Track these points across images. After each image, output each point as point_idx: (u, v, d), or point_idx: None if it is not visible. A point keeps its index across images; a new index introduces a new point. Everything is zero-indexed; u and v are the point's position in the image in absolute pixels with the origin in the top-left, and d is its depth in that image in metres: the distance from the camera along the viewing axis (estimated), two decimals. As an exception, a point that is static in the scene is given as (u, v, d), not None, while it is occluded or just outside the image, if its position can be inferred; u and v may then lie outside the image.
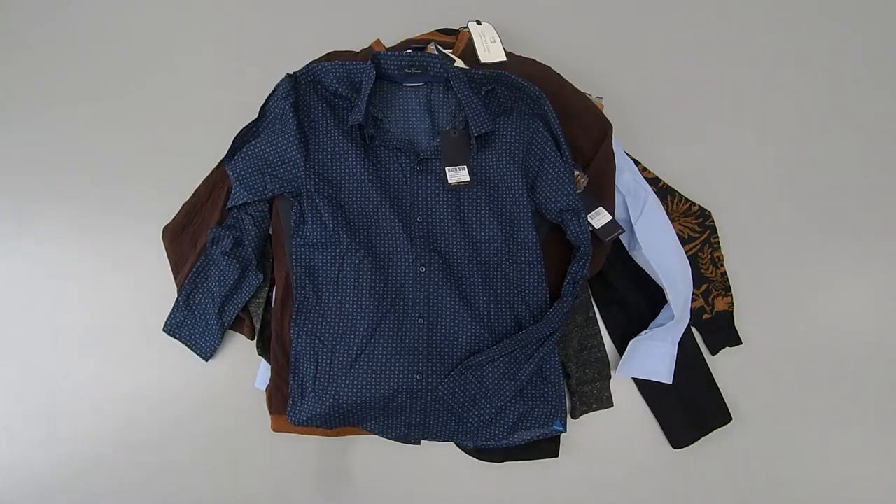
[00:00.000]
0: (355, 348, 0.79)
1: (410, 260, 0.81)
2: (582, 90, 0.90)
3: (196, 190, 0.89)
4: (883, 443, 0.92)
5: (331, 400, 0.79)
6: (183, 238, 0.88)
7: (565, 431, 0.82)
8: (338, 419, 0.81)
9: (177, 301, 0.87)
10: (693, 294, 0.88)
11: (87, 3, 1.03)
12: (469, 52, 0.93)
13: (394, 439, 0.81)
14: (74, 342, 0.90)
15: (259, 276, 0.84)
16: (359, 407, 0.80)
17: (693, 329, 0.91)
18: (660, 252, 0.85)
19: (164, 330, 0.87)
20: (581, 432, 0.88)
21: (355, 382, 0.78)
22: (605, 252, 0.86)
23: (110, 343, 0.89)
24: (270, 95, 0.84)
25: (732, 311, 0.93)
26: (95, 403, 0.88)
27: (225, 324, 0.85)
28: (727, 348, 0.92)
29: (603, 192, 0.86)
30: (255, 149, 0.83)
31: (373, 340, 0.79)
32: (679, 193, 0.95)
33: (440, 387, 0.78)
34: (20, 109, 0.98)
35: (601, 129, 0.88)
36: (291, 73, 0.85)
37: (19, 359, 0.90)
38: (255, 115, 0.85)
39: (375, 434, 0.81)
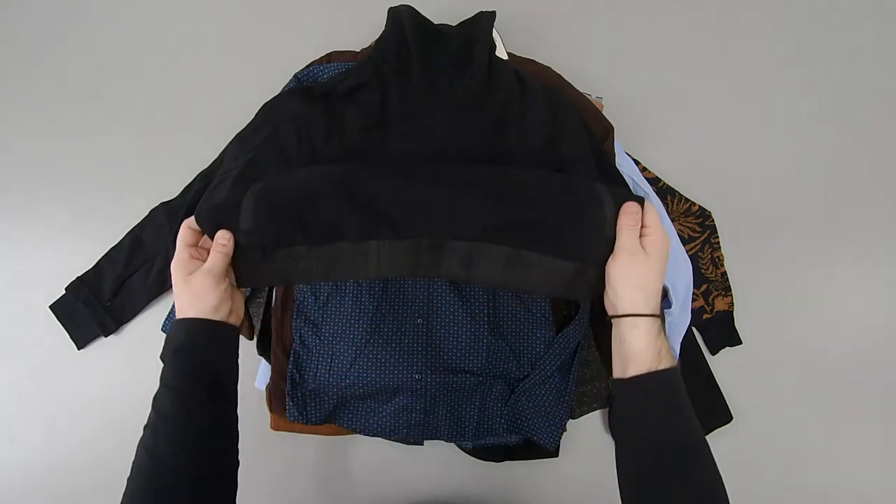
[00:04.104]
0: (355, 348, 0.79)
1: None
2: (582, 90, 0.90)
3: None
4: (884, 443, 0.92)
5: (331, 400, 0.79)
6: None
7: (566, 431, 0.82)
8: (338, 419, 0.81)
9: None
10: (693, 294, 0.88)
11: (88, 3, 1.02)
12: (469, 52, 0.92)
13: (395, 440, 0.81)
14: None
15: None
16: (359, 406, 0.80)
17: (693, 329, 0.91)
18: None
19: (162, 330, 0.87)
20: (581, 432, 0.88)
21: (355, 382, 0.78)
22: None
23: (110, 343, 0.89)
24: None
25: (732, 311, 0.93)
26: (95, 403, 0.88)
27: (224, 324, 0.85)
28: (727, 348, 0.93)
29: (603, 192, 0.86)
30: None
31: (372, 341, 0.79)
32: (679, 193, 0.95)
33: (502, 419, 0.79)
34: (20, 109, 0.98)
35: (602, 131, 0.87)
36: (295, 72, 0.85)
37: (19, 359, 0.89)
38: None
39: (377, 436, 0.81)
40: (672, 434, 0.51)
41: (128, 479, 0.51)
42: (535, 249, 0.59)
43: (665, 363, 0.52)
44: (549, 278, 0.60)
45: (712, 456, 0.51)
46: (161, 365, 0.58)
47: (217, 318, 0.56)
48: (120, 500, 0.51)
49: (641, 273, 0.55)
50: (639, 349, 0.52)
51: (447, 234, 0.60)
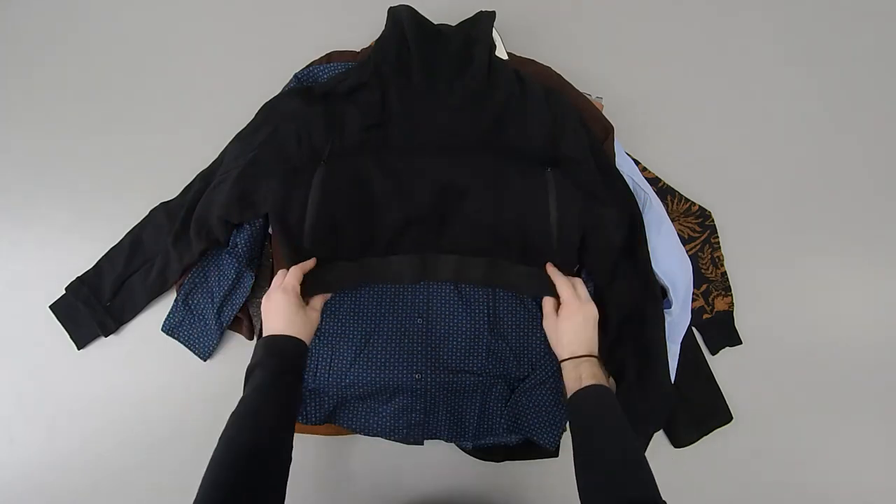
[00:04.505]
0: (355, 348, 0.79)
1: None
2: (582, 90, 0.90)
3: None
4: (883, 442, 0.92)
5: (331, 400, 0.79)
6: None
7: (566, 431, 0.82)
8: (338, 419, 0.81)
9: (175, 300, 0.87)
10: (693, 294, 0.88)
11: (88, 3, 1.02)
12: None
13: (396, 440, 0.81)
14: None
15: (252, 275, 0.84)
16: (359, 407, 0.80)
17: (693, 329, 0.91)
18: (660, 252, 0.84)
19: (162, 330, 0.87)
20: (581, 432, 0.88)
21: (355, 382, 0.78)
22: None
23: (110, 343, 0.89)
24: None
25: (732, 311, 0.93)
26: (95, 403, 0.88)
27: (223, 323, 0.85)
28: (727, 348, 0.93)
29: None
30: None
31: (372, 340, 0.79)
32: (679, 193, 0.95)
33: (502, 419, 0.80)
34: (20, 109, 0.98)
35: (602, 131, 0.88)
36: (295, 72, 0.85)
37: (19, 359, 0.89)
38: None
39: (377, 436, 0.81)
40: (603, 440, 0.61)
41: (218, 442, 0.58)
42: (507, 258, 0.79)
43: (587, 383, 0.66)
44: (524, 280, 0.78)
45: (644, 458, 0.59)
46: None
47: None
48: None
49: (557, 330, 0.72)
50: (566, 380, 0.69)
51: (447, 249, 0.79)
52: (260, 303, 0.86)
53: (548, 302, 0.75)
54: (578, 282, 0.75)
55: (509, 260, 0.78)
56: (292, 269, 0.72)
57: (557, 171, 0.79)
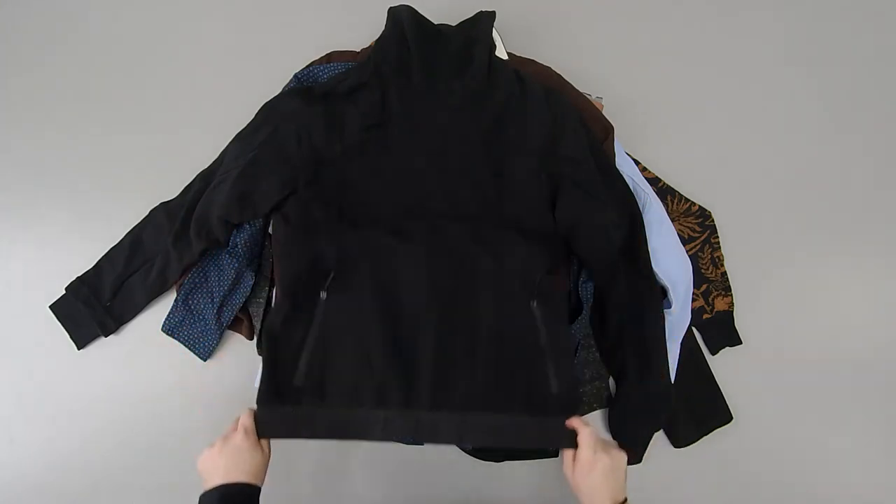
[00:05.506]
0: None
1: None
2: (582, 90, 0.90)
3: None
4: (882, 443, 0.92)
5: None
6: (182, 238, 0.88)
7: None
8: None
9: (175, 300, 0.87)
10: (693, 294, 0.88)
11: (88, 3, 1.02)
12: (469, 52, 0.92)
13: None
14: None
15: (252, 275, 0.84)
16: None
17: (693, 329, 0.91)
18: (660, 252, 0.84)
19: (162, 329, 0.87)
20: (581, 432, 0.88)
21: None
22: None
23: (110, 343, 0.89)
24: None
25: (732, 311, 0.93)
26: (95, 403, 0.88)
27: (223, 324, 0.85)
28: (727, 348, 0.93)
29: (604, 192, 0.86)
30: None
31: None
32: (679, 193, 0.95)
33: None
34: (20, 109, 0.98)
35: (602, 131, 0.88)
36: (295, 72, 0.85)
37: (19, 359, 0.89)
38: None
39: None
40: None
41: None
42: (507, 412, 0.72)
43: None
44: (523, 433, 0.72)
45: None
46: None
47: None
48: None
49: (575, 485, 0.69)
50: None
51: (442, 405, 0.71)
52: (260, 303, 0.86)
53: (567, 453, 0.71)
54: (589, 432, 0.69)
55: (504, 412, 0.72)
56: (246, 414, 0.70)
57: (541, 300, 0.76)
